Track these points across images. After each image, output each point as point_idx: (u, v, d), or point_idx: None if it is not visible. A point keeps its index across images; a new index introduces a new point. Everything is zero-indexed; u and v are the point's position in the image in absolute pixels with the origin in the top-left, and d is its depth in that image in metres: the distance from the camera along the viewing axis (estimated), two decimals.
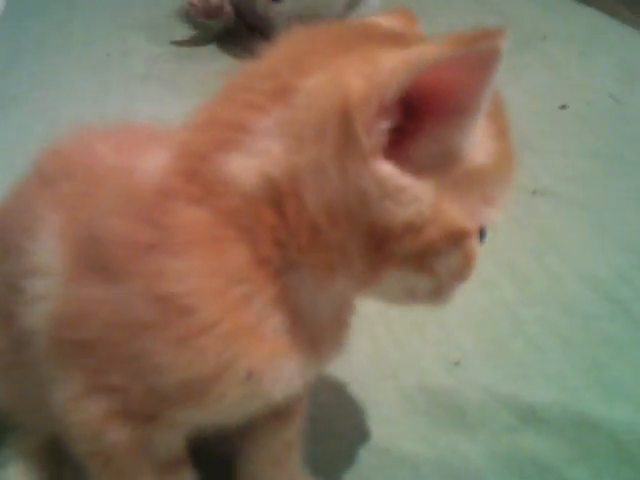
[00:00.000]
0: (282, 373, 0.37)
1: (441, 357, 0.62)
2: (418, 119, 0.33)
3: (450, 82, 0.31)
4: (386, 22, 0.41)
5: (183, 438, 0.42)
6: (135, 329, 0.35)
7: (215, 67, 1.11)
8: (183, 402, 0.37)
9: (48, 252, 0.39)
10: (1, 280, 0.43)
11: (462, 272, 0.37)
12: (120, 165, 0.40)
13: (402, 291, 0.38)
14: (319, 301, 0.38)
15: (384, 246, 0.35)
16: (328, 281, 0.37)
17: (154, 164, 0.38)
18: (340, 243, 0.35)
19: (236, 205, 0.35)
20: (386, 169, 0.33)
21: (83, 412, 0.38)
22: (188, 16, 1.27)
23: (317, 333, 0.39)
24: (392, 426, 0.57)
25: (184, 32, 1.25)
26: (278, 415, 0.46)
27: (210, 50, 1.20)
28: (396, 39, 0.37)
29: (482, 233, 0.38)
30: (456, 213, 0.35)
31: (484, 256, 0.38)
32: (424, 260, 0.36)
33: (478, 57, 0.31)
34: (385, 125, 0.32)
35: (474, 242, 0.37)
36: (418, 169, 0.33)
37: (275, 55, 0.38)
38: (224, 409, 0.38)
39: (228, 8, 1.19)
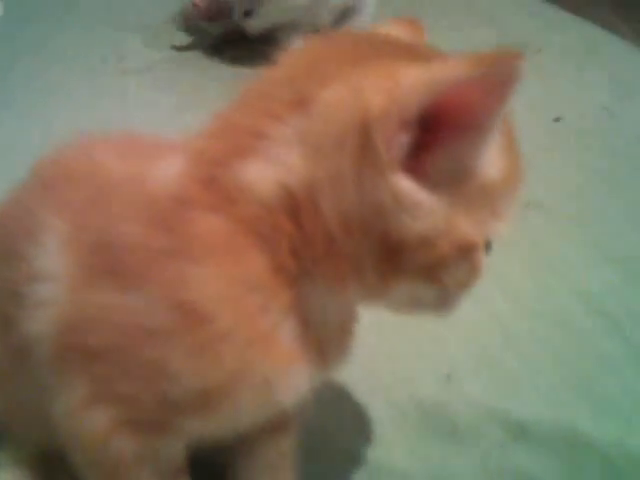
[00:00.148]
0: (295, 380, 0.37)
1: (433, 370, 0.62)
2: (435, 132, 0.33)
3: (468, 100, 0.32)
4: (395, 32, 0.42)
5: (184, 448, 0.41)
6: (150, 336, 0.35)
7: (212, 73, 1.11)
8: (196, 410, 0.37)
9: (52, 257, 0.39)
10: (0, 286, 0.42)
11: (468, 282, 0.38)
12: (128, 172, 0.40)
13: (409, 300, 0.39)
14: (329, 309, 0.39)
15: (397, 258, 0.35)
16: (340, 290, 0.37)
17: (168, 172, 0.38)
18: (354, 254, 0.35)
19: (253, 213, 0.35)
20: (404, 183, 0.33)
21: (88, 421, 0.37)
22: (186, 21, 1.27)
23: (324, 340, 0.39)
24: (383, 439, 0.57)
25: (181, 37, 1.25)
26: (275, 424, 0.45)
27: (207, 56, 1.19)
28: (411, 52, 0.38)
29: (488, 245, 0.39)
30: (468, 227, 0.35)
31: None
32: (433, 271, 0.36)
33: (498, 77, 0.31)
34: (404, 139, 0.33)
35: (481, 254, 0.38)
36: (434, 184, 0.34)
37: (292, 63, 0.38)
38: (236, 416, 0.38)
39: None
